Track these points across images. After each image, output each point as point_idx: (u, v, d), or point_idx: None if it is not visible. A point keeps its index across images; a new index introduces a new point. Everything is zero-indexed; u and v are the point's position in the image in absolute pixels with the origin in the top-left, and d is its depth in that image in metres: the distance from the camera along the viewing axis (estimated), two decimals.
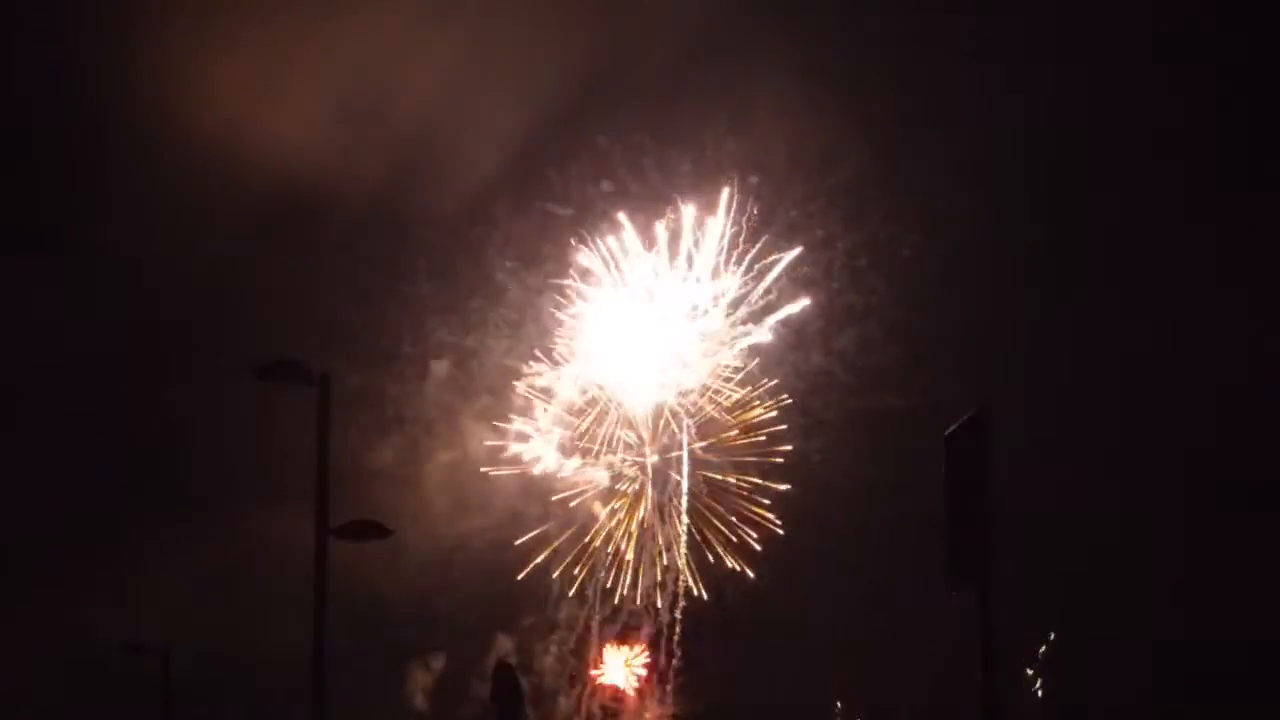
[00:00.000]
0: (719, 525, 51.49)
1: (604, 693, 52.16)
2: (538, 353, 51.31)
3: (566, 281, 51.40)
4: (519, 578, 51.12)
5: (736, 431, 51.46)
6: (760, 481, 51.34)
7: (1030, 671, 51.45)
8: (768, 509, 51.34)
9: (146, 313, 51.89)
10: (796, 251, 51.64)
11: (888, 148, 51.51)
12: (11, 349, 50.46)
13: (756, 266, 51.62)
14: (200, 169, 50.87)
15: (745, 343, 51.30)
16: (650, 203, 51.50)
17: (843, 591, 51.47)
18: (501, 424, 51.15)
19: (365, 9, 52.83)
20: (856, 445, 50.94)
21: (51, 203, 52.16)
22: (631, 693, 52.22)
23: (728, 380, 51.47)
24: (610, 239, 51.26)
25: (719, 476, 51.60)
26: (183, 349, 51.55)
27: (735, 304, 51.45)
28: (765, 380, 51.51)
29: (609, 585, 51.59)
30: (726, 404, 51.39)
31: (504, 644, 51.09)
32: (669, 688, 52.00)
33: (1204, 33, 52.72)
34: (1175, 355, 51.20)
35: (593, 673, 52.25)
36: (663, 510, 51.54)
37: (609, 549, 51.47)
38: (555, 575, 51.24)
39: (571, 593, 51.35)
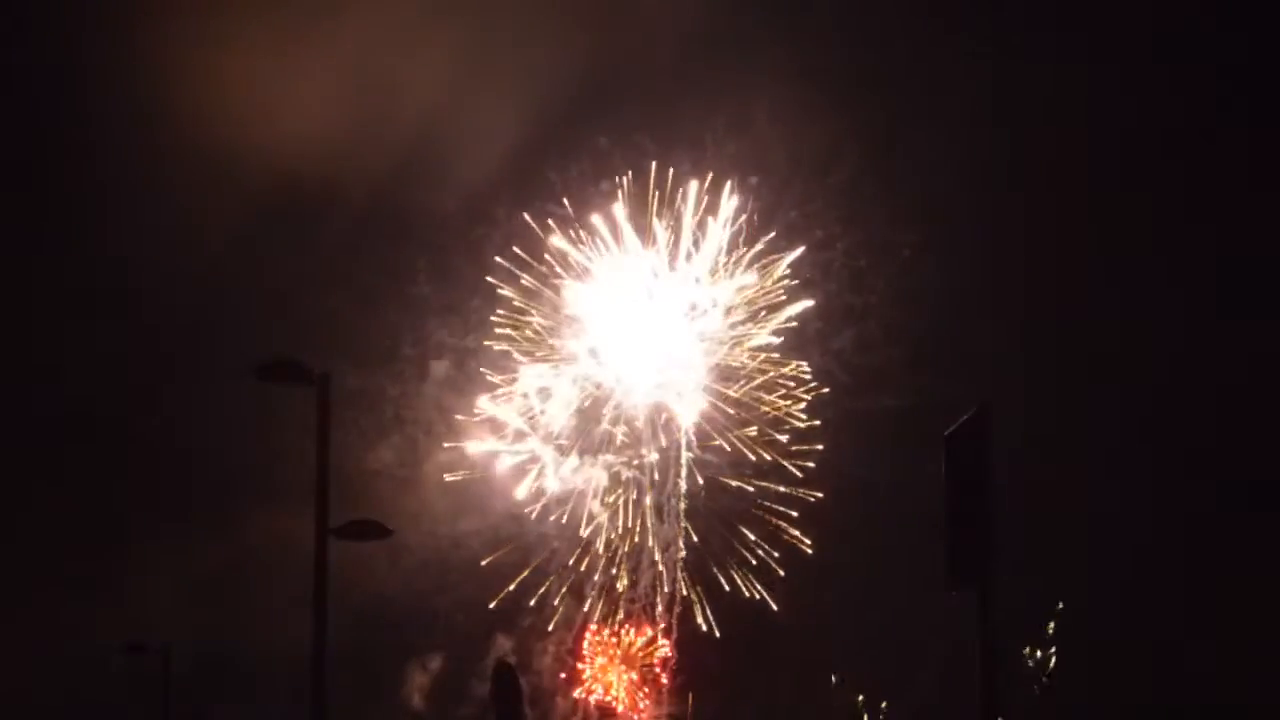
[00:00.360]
0: (724, 533, 51.55)
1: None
2: (537, 353, 51.41)
3: (566, 281, 51.47)
4: (516, 580, 51.20)
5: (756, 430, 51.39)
6: (771, 486, 51.24)
7: (1031, 652, 51.28)
8: (773, 514, 51.39)
9: (146, 313, 51.94)
10: (798, 252, 51.72)
11: (887, 148, 51.56)
12: (11, 349, 50.49)
13: (755, 267, 51.69)
14: (200, 169, 50.91)
15: (757, 341, 51.37)
16: (650, 202, 51.57)
17: (843, 591, 51.50)
18: (500, 424, 51.24)
19: (365, 9, 52.93)
20: (856, 445, 50.99)
21: (51, 203, 52.20)
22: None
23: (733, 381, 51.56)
24: (610, 239, 51.33)
25: (733, 483, 51.64)
26: (183, 349, 51.59)
27: (734, 305, 51.51)
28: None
29: (608, 587, 51.70)
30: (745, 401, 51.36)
31: (503, 644, 51.10)
32: (665, 688, 52.01)
33: (1205, 33, 52.76)
34: (1175, 355, 51.25)
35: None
36: (661, 511, 51.56)
37: (607, 551, 51.53)
38: (554, 580, 51.35)
39: (562, 596, 51.40)
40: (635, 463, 51.44)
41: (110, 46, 51.40)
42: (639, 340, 51.56)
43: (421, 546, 49.94)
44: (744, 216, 51.42)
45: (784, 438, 51.34)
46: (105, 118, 52.06)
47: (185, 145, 50.94)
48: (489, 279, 51.24)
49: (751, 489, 51.48)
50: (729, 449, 51.37)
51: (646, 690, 52.08)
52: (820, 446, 51.12)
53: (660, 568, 51.39)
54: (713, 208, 51.36)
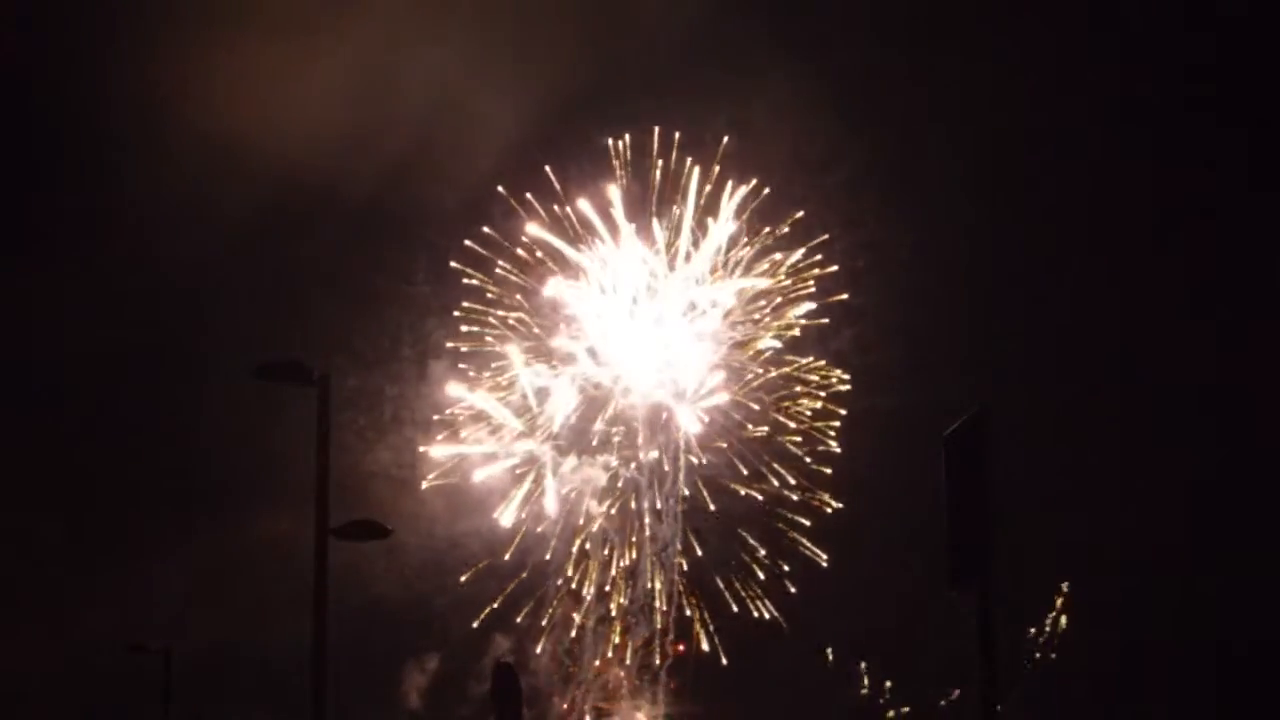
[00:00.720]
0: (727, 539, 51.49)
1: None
2: (536, 354, 51.38)
3: (565, 281, 51.44)
4: (514, 583, 51.19)
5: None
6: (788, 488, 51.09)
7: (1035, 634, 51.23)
8: (775, 516, 51.35)
9: (146, 313, 51.94)
10: (797, 253, 51.71)
11: (887, 148, 51.60)
12: (11, 349, 50.51)
13: (755, 267, 51.69)
14: (200, 169, 50.93)
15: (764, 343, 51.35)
16: (649, 203, 51.56)
17: (842, 590, 51.51)
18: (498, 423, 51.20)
19: (365, 9, 52.97)
20: (855, 445, 50.98)
21: (50, 203, 52.22)
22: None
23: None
24: (609, 239, 51.33)
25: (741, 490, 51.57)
26: (183, 349, 51.59)
27: (733, 305, 51.51)
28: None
29: (606, 587, 51.70)
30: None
31: (501, 644, 51.09)
32: (662, 688, 51.99)
33: (1206, 32, 52.76)
34: (1175, 354, 51.28)
35: None
36: (659, 512, 51.54)
37: (605, 551, 51.52)
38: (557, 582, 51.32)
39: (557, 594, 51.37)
40: (633, 465, 51.45)
41: (110, 46, 51.48)
42: (638, 340, 51.54)
43: (420, 547, 49.95)
44: (744, 216, 51.46)
45: (797, 438, 51.33)
46: (105, 118, 52.10)
47: (184, 145, 50.99)
48: (487, 281, 51.34)
49: (760, 496, 51.44)
50: (729, 449, 51.42)
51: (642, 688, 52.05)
52: (836, 448, 50.94)
53: (657, 583, 51.40)
54: (713, 208, 51.41)
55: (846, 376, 50.88)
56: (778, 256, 51.52)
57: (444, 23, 51.98)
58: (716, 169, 51.28)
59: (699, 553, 51.43)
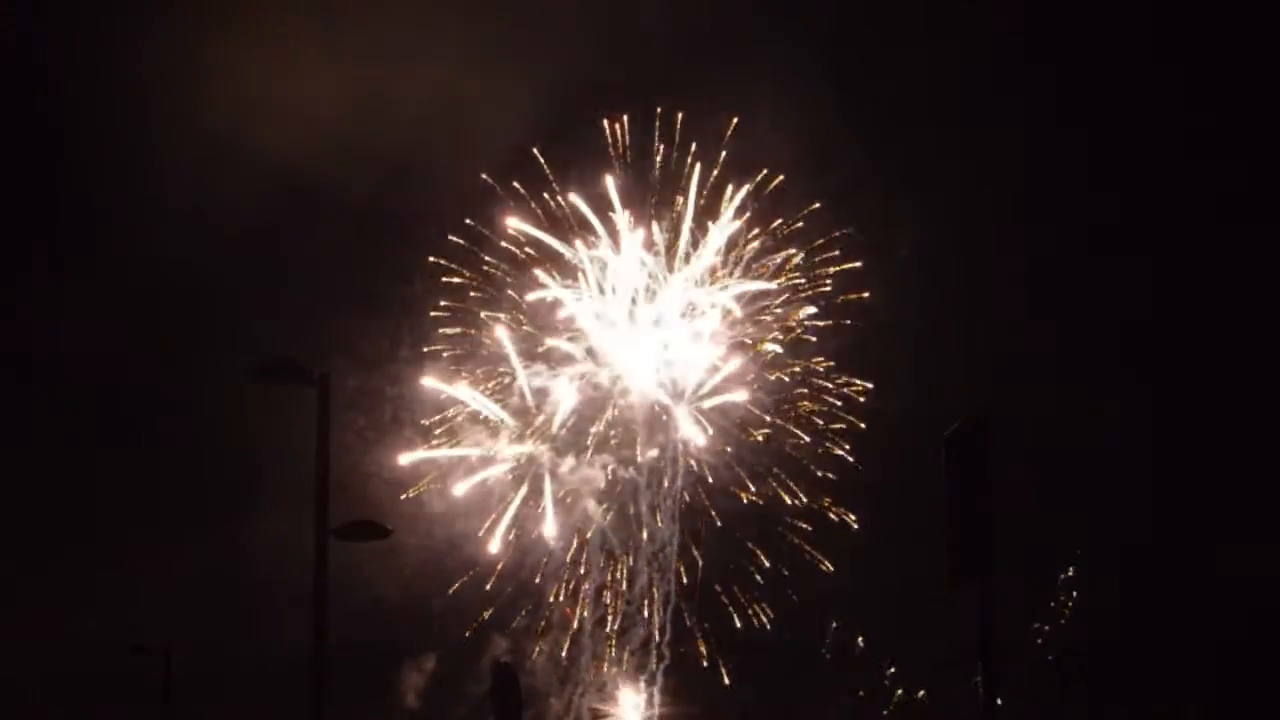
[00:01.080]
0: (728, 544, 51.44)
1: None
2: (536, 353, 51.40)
3: (565, 281, 51.46)
4: (509, 587, 51.19)
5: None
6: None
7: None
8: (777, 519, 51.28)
9: (146, 313, 51.93)
10: (795, 252, 51.72)
11: (886, 147, 51.59)
12: (10, 349, 50.51)
13: (754, 267, 51.71)
14: (199, 168, 50.92)
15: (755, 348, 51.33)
16: (649, 203, 51.59)
17: (842, 590, 51.51)
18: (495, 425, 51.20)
19: (364, 9, 52.99)
20: (854, 446, 50.98)
21: (49, 203, 52.22)
22: None
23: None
24: (609, 239, 51.36)
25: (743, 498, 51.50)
26: (182, 349, 51.58)
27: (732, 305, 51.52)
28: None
29: (603, 586, 51.70)
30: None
31: (499, 644, 51.08)
32: (657, 688, 51.97)
33: (1205, 32, 52.76)
34: (1176, 354, 51.30)
35: None
36: (656, 511, 51.54)
37: (603, 552, 51.52)
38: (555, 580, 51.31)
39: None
40: (631, 466, 51.45)
41: (109, 46, 51.48)
42: (637, 339, 51.56)
43: (418, 547, 49.93)
44: (745, 217, 51.51)
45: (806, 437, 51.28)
46: (104, 118, 52.13)
47: (183, 145, 50.99)
48: (485, 280, 51.35)
49: (762, 502, 51.41)
50: (730, 452, 51.42)
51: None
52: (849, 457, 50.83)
53: (655, 585, 51.38)
54: (713, 210, 51.44)
55: (863, 384, 50.91)
56: (779, 259, 51.65)
57: (444, 23, 52.01)
58: (716, 170, 51.43)
59: (696, 554, 51.50)
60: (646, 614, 51.48)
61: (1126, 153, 52.74)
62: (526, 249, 51.43)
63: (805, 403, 51.23)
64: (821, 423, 51.03)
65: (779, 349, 51.34)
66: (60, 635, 48.61)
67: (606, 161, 51.38)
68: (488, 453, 50.29)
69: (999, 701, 19.71)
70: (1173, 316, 52.06)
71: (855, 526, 50.47)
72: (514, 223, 51.14)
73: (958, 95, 53.01)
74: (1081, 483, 50.03)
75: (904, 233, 51.81)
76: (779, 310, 51.59)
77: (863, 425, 50.70)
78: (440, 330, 51.19)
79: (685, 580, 51.45)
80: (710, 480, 51.20)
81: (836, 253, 51.49)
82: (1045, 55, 53.56)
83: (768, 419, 51.13)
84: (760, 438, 51.21)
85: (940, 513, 19.87)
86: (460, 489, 50.20)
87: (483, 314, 50.96)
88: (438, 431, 50.80)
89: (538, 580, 51.05)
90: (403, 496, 50.28)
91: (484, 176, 51.42)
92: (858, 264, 51.53)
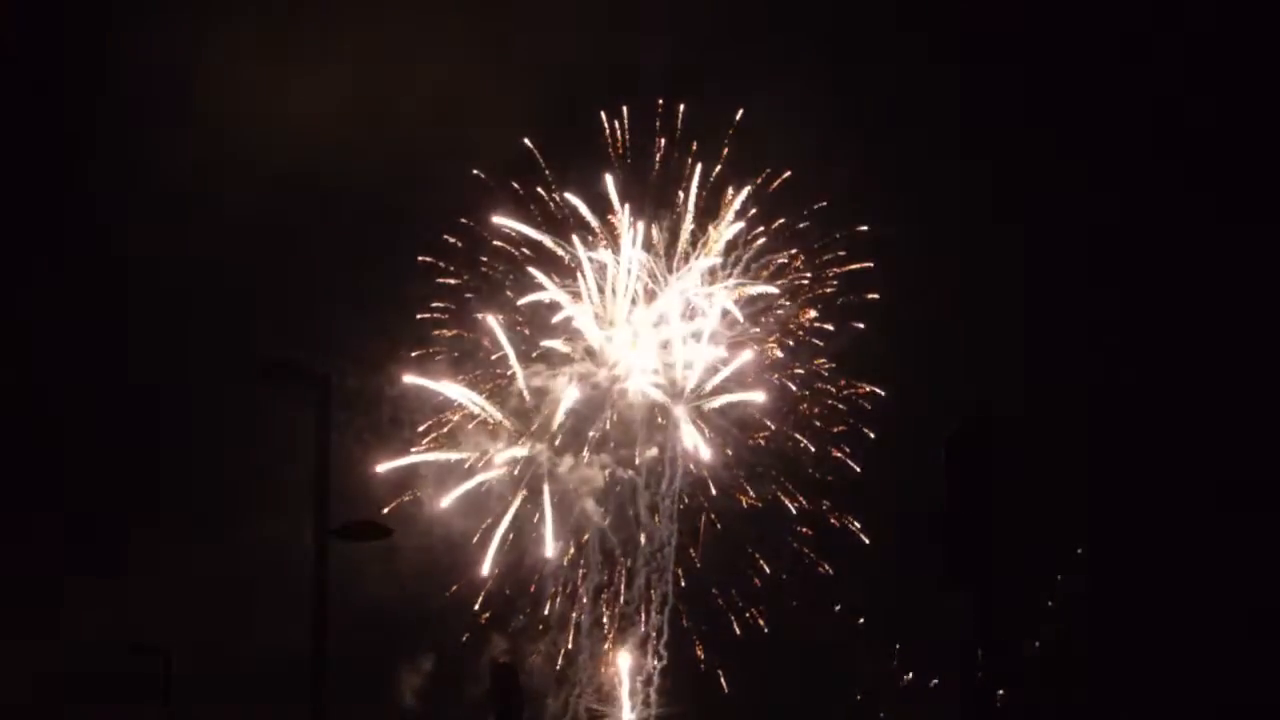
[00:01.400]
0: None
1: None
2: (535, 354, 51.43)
3: (563, 281, 51.51)
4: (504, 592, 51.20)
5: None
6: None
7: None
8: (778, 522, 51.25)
9: (146, 312, 51.92)
10: (797, 253, 51.75)
11: (886, 147, 51.60)
12: (11, 350, 50.48)
13: (754, 266, 51.73)
14: (199, 168, 50.90)
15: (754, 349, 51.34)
16: (649, 203, 51.64)
17: (841, 589, 51.52)
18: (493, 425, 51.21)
19: (365, 8, 53.01)
20: (854, 446, 51.00)
21: (49, 202, 52.19)
22: None
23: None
24: (609, 238, 51.39)
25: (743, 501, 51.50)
26: (182, 349, 51.57)
27: (733, 304, 51.54)
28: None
29: (601, 587, 51.75)
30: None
31: (498, 644, 51.10)
32: (654, 689, 52.01)
33: (1205, 32, 52.75)
34: (1176, 355, 51.28)
35: None
36: (655, 512, 51.54)
37: (600, 553, 51.55)
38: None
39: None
40: (630, 468, 51.46)
41: (107, 46, 51.48)
42: (637, 339, 51.57)
43: (417, 547, 49.94)
44: (746, 217, 51.55)
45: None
46: (103, 116, 52.11)
47: (184, 144, 50.97)
48: (485, 280, 51.37)
49: (760, 505, 51.39)
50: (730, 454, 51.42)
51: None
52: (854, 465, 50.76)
53: (652, 586, 51.40)
54: (713, 209, 51.49)
55: (869, 388, 50.88)
56: (780, 259, 51.67)
57: (444, 22, 52.03)
58: (718, 168, 51.46)
59: (694, 555, 51.51)
60: (644, 615, 51.53)
61: (1127, 150, 52.80)
62: (524, 249, 51.53)
63: (806, 405, 51.28)
64: (821, 425, 51.10)
65: (778, 352, 51.38)
66: (60, 635, 48.60)
67: (606, 161, 51.49)
68: (477, 457, 50.32)
69: (1000, 692, 19.72)
70: (1173, 316, 52.06)
71: (855, 528, 50.52)
72: (513, 223, 51.21)
73: (958, 95, 53.05)
74: (1081, 483, 50.05)
75: (905, 233, 51.85)
76: (780, 311, 51.65)
77: (867, 431, 50.75)
78: (437, 332, 51.29)
79: (683, 583, 51.55)
80: (709, 481, 51.27)
81: (842, 253, 51.61)
82: (1045, 54, 53.56)
83: (768, 423, 51.22)
84: (761, 441, 51.29)
85: (940, 514, 19.89)
86: (449, 499, 50.19)
87: (481, 314, 51.00)
88: (434, 435, 50.87)
89: (534, 584, 51.16)
90: (403, 499, 50.33)
91: (482, 176, 51.52)
92: (859, 265, 51.62)
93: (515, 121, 51.48)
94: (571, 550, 51.30)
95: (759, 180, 51.52)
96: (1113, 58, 53.12)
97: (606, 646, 51.85)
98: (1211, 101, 52.67)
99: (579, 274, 51.46)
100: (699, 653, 51.34)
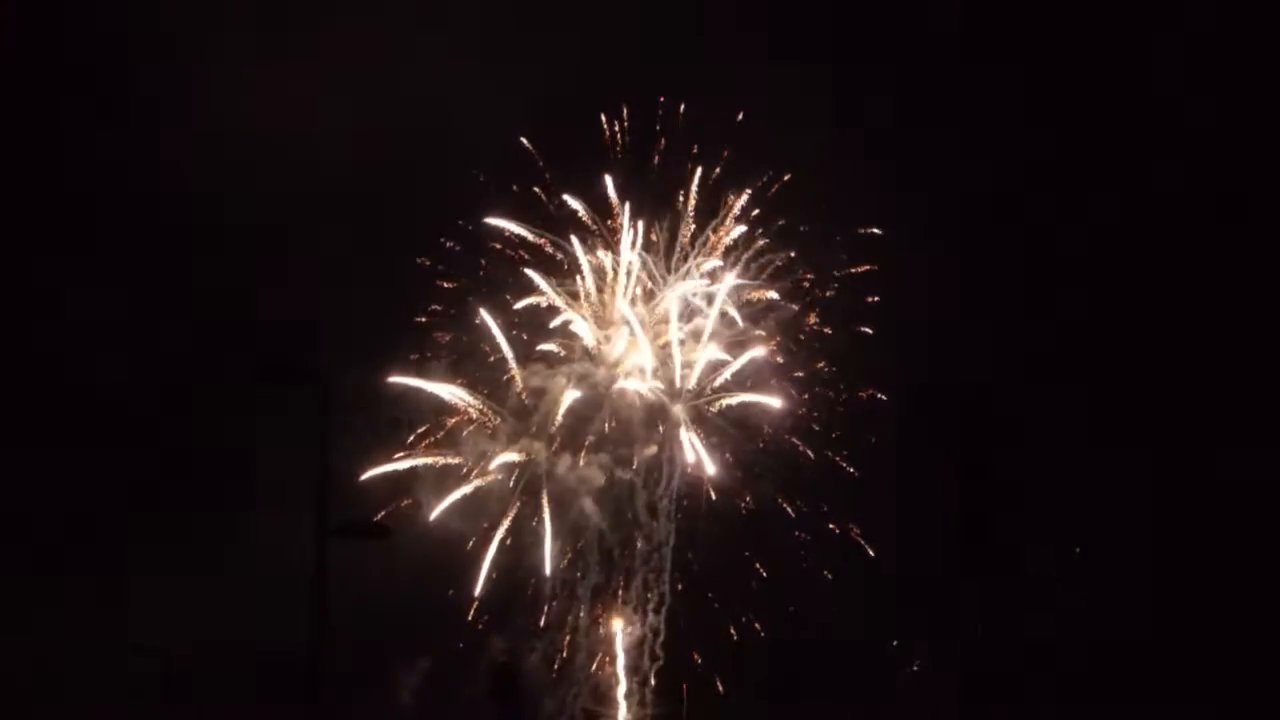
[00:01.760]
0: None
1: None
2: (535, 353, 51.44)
3: (563, 281, 51.52)
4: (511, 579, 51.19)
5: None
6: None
7: None
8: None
9: (145, 312, 51.94)
10: (796, 254, 51.77)
11: (886, 147, 51.59)
12: (11, 350, 50.51)
13: (753, 266, 51.72)
14: (199, 168, 50.90)
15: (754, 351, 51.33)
16: (648, 204, 51.65)
17: (840, 589, 51.50)
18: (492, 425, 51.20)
19: (363, 7, 53.04)
20: (854, 446, 50.95)
21: (51, 202, 52.19)
22: None
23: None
24: (608, 239, 51.41)
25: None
26: (182, 349, 51.58)
27: (732, 304, 51.52)
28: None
29: (598, 587, 51.77)
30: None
31: (497, 643, 51.10)
32: (650, 688, 51.97)
33: (1205, 31, 52.80)
34: (1178, 354, 51.34)
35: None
36: (654, 511, 51.54)
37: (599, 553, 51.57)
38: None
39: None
40: (631, 468, 51.45)
41: (107, 45, 51.49)
42: (636, 339, 51.60)
43: (416, 548, 49.91)
44: (747, 219, 51.57)
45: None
46: (103, 115, 52.12)
47: (184, 143, 50.98)
48: (482, 280, 51.41)
49: (755, 506, 51.34)
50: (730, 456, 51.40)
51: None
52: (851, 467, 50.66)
53: (650, 594, 51.40)
54: (713, 210, 51.51)
55: (877, 394, 50.82)
56: (779, 260, 51.69)
57: (444, 22, 52.05)
58: (718, 170, 51.48)
59: (691, 556, 51.51)
60: (641, 615, 51.52)
61: (1127, 149, 52.84)
62: (523, 250, 51.54)
63: (805, 410, 51.28)
64: (820, 428, 51.10)
65: (778, 356, 51.39)
66: (60, 635, 48.62)
67: (607, 162, 51.50)
68: (474, 461, 50.34)
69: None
70: (1174, 316, 52.11)
71: (855, 532, 50.46)
72: (512, 224, 51.23)
73: (956, 92, 53.08)
74: (1082, 484, 50.06)
75: (905, 234, 51.87)
76: (779, 312, 51.67)
77: (871, 437, 50.70)
78: (437, 334, 51.30)
79: (681, 585, 51.52)
80: (708, 482, 51.26)
81: (844, 256, 51.64)
82: (1045, 53, 53.60)
83: (766, 427, 51.22)
84: (760, 443, 51.28)
85: (941, 516, 19.96)
86: (443, 507, 50.20)
87: (480, 315, 51.00)
88: (431, 439, 50.86)
89: (531, 587, 51.13)
90: (401, 504, 50.32)
91: (482, 178, 51.54)
92: (859, 267, 51.61)
93: (516, 122, 51.53)
94: (569, 554, 51.32)
95: (760, 182, 51.56)
96: (1111, 58, 53.20)
97: (603, 646, 51.92)
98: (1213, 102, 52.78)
99: (578, 274, 51.48)
100: (696, 657, 51.38)
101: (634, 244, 51.36)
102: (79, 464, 50.77)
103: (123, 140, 51.49)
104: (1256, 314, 52.02)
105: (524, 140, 51.18)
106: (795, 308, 51.68)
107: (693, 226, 51.70)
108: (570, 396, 51.00)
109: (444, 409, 51.03)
